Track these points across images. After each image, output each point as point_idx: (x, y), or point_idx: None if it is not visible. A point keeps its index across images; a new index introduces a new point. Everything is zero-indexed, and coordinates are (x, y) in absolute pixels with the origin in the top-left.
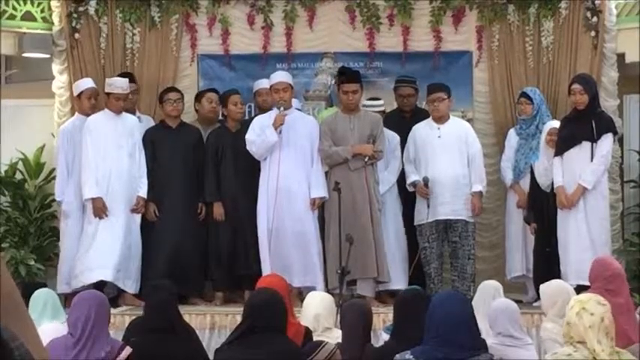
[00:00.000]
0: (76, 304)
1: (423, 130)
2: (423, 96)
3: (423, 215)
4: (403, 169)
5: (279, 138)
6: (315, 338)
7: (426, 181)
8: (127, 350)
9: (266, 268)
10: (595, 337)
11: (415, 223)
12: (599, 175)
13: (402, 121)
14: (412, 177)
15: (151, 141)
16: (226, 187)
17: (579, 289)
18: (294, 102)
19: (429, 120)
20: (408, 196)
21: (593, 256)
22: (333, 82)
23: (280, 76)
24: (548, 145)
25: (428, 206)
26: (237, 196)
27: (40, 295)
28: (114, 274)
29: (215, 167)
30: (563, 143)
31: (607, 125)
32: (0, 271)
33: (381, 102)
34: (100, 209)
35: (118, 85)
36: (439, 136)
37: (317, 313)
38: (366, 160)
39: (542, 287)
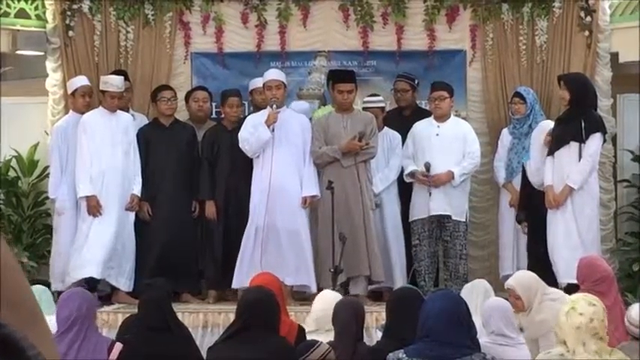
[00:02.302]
0: (65, 301)
1: (422, 127)
2: (422, 95)
3: (415, 211)
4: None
5: (271, 136)
6: (317, 338)
7: (427, 166)
8: (118, 347)
9: (241, 266)
10: (580, 338)
11: (409, 220)
12: (585, 175)
13: (402, 119)
14: (410, 167)
15: (144, 139)
16: (221, 185)
17: (570, 287)
18: (302, 103)
19: (430, 118)
20: (406, 194)
21: (582, 255)
22: (325, 82)
23: (273, 74)
24: (546, 146)
25: (421, 202)
26: (232, 194)
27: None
28: (102, 271)
29: (210, 165)
30: (554, 143)
31: (595, 125)
32: (15, 275)
33: (380, 98)
34: (94, 207)
35: (114, 83)
36: (437, 134)
37: (322, 314)
38: (356, 158)
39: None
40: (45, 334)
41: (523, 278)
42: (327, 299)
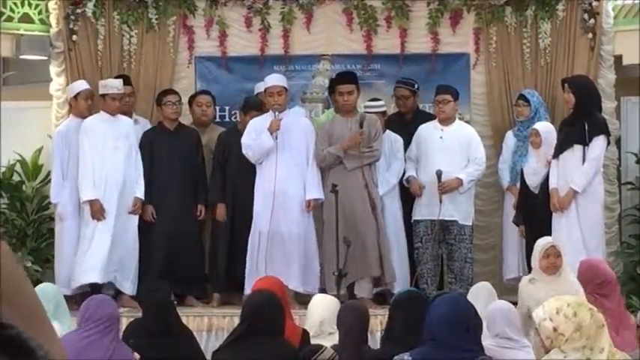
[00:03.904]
0: (99, 304)
1: (427, 130)
2: (424, 98)
3: (418, 212)
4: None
5: (275, 143)
6: (319, 342)
7: (439, 174)
8: (136, 356)
9: (250, 271)
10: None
11: (412, 220)
12: (589, 178)
13: (404, 122)
14: (408, 172)
15: (149, 143)
16: (230, 189)
17: None
18: (299, 110)
19: (435, 121)
20: (409, 198)
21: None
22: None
23: (275, 80)
24: (533, 147)
25: (425, 205)
26: (240, 197)
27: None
28: (104, 276)
29: (221, 168)
30: (558, 146)
31: (598, 128)
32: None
33: (381, 102)
34: (97, 211)
35: (113, 85)
36: (441, 137)
37: (322, 318)
38: (362, 161)
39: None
40: (50, 333)
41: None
42: (328, 303)
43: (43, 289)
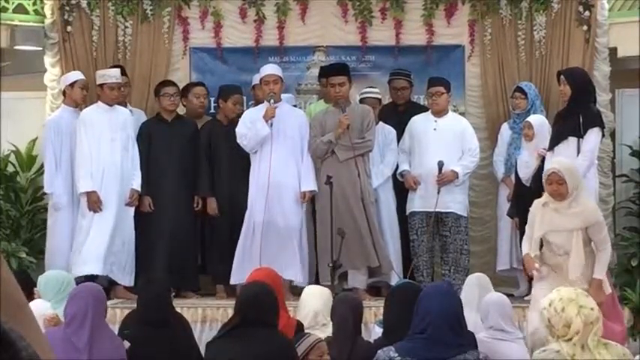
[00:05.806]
0: (74, 297)
1: (420, 121)
2: (418, 90)
3: (413, 204)
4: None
5: (270, 131)
6: (312, 334)
7: (440, 165)
8: (126, 344)
9: (241, 262)
10: (592, 331)
11: (407, 213)
12: (584, 171)
13: (396, 114)
14: (402, 166)
15: (147, 134)
16: (222, 181)
17: None
18: (289, 97)
19: (428, 113)
20: (403, 190)
21: None
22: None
23: (270, 69)
24: (525, 139)
25: (419, 197)
26: (233, 189)
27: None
28: (104, 268)
29: (208, 162)
30: (553, 138)
31: (593, 120)
32: (1, 271)
33: (377, 89)
34: (95, 203)
35: (112, 74)
36: (435, 129)
37: (316, 309)
38: (355, 152)
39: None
40: (30, 322)
41: (566, 163)
42: (321, 294)
43: (57, 275)
